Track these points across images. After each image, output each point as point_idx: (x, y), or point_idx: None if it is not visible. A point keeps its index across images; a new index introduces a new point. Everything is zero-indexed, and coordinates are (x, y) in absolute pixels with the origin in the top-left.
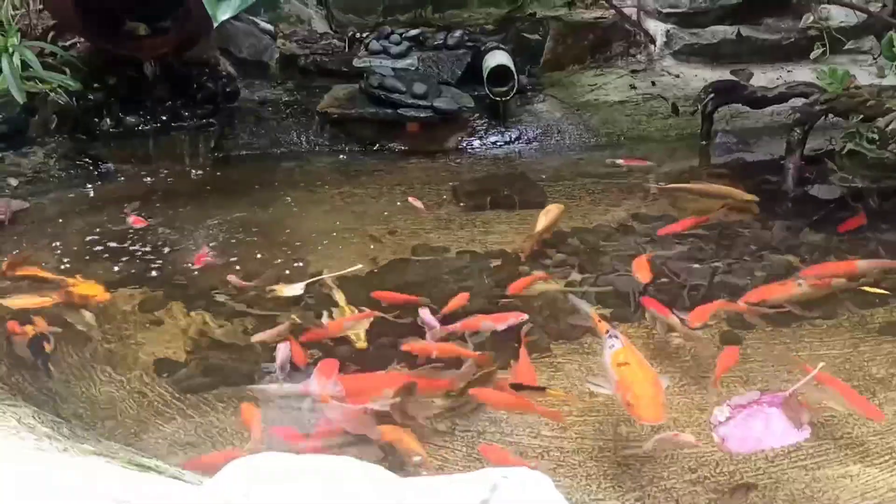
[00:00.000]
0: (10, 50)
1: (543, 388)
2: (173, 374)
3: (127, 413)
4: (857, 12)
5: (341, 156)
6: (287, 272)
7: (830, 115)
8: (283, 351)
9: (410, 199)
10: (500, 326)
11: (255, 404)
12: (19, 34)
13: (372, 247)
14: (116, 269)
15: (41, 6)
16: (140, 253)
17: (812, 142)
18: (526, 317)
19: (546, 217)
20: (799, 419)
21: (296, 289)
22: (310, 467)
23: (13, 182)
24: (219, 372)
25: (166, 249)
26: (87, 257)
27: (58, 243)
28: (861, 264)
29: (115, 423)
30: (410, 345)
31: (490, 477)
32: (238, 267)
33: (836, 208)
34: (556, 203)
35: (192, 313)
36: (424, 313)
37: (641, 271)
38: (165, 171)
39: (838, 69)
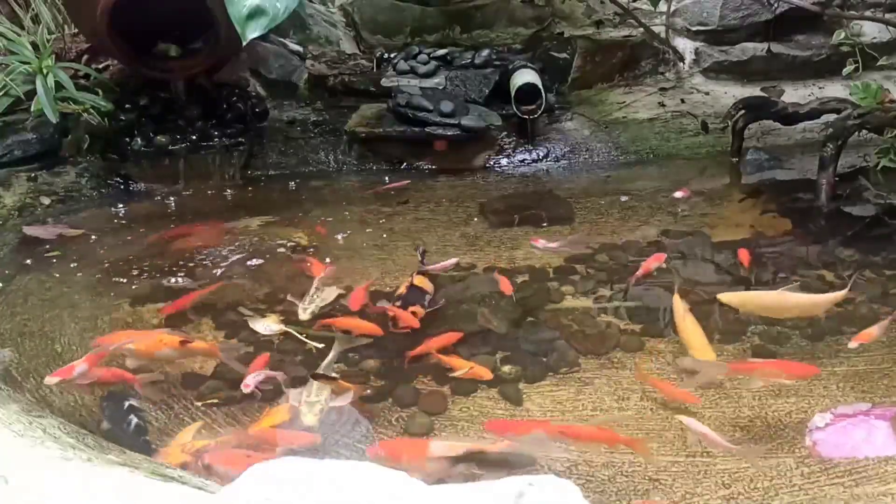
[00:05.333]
0: (45, 71)
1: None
2: (198, 387)
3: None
4: (890, 28)
5: (369, 175)
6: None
7: (864, 132)
8: None
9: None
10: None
11: None
12: (54, 56)
13: (398, 262)
14: (145, 284)
15: (76, 30)
16: (168, 269)
17: (845, 158)
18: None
19: None
20: None
21: (270, 328)
22: (331, 474)
23: (45, 201)
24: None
25: (194, 266)
26: (118, 271)
27: (89, 259)
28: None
29: None
30: None
31: (516, 484)
32: (261, 284)
33: (870, 225)
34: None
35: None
36: None
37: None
38: (195, 190)
39: (871, 83)
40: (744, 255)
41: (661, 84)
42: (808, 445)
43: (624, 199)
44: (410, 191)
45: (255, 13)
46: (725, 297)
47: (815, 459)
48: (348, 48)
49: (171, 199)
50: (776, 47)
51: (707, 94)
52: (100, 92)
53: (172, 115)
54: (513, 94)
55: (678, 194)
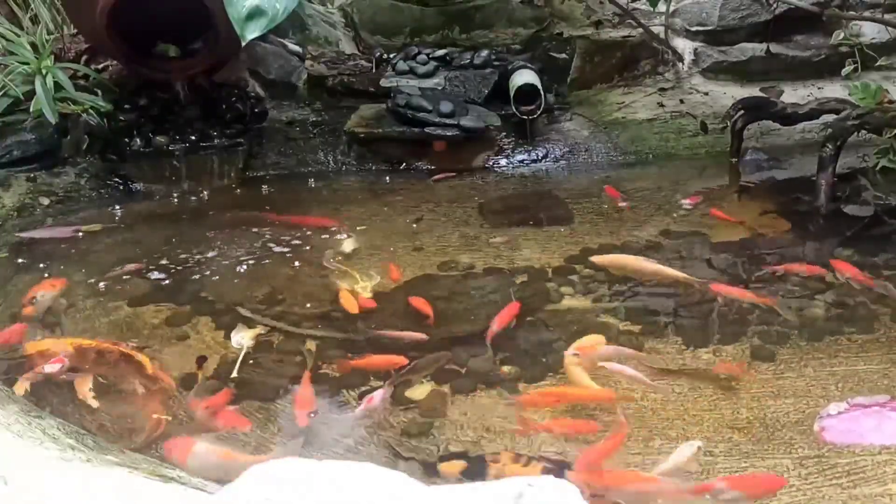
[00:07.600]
0: (44, 72)
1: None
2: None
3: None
4: (889, 28)
5: (368, 175)
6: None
7: (863, 132)
8: None
9: None
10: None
11: None
12: (53, 57)
13: (398, 263)
14: (143, 284)
15: (75, 30)
16: (167, 270)
17: (844, 158)
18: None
19: None
20: None
21: (240, 342)
22: (330, 474)
23: (45, 201)
24: (244, 386)
25: (194, 267)
26: (115, 272)
27: (87, 259)
28: None
29: (139, 434)
30: None
31: (515, 485)
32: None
33: (869, 225)
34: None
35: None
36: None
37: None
38: (194, 191)
39: (870, 84)
40: (717, 213)
41: (661, 84)
42: (816, 431)
43: (622, 203)
44: (410, 191)
45: (255, 14)
46: (598, 258)
47: (814, 458)
48: (347, 48)
49: (170, 199)
50: (775, 47)
51: (706, 94)
52: (99, 92)
53: (172, 115)
54: (512, 94)
55: (687, 202)
